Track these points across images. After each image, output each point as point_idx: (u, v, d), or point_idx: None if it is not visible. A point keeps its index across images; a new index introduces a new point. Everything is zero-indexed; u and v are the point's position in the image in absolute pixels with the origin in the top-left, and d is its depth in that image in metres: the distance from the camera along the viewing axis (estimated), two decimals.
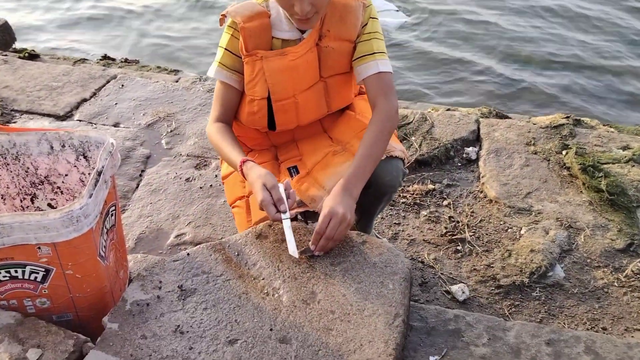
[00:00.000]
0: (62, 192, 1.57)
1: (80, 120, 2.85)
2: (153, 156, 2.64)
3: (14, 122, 2.79)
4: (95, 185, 1.29)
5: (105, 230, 1.42)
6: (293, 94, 1.63)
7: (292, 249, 1.36)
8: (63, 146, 1.49)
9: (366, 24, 1.61)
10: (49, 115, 2.88)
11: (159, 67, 4.11)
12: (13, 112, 2.88)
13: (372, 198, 1.72)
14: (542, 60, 4.71)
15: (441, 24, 5.38)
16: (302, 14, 1.46)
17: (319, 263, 1.39)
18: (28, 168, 1.51)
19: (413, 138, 2.68)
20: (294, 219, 1.58)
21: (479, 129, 2.79)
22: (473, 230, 2.24)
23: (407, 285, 1.36)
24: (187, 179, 2.47)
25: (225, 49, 1.65)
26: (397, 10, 5.68)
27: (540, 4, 5.69)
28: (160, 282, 1.34)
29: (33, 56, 3.81)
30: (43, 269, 1.28)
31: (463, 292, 1.94)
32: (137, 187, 2.43)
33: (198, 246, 1.44)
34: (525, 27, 5.25)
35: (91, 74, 3.25)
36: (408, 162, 1.66)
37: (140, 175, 2.51)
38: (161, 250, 2.10)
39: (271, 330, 1.23)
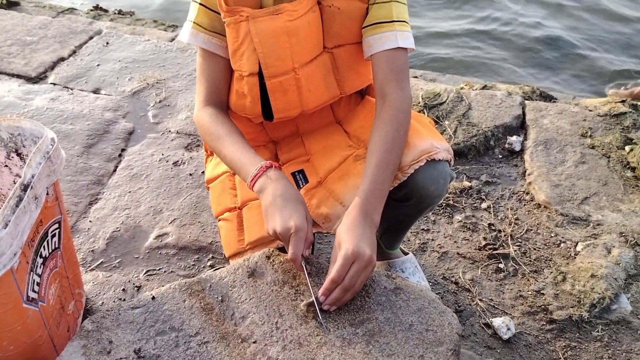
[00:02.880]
0: None
1: (54, 84, 2.43)
2: (137, 132, 2.22)
3: None
4: (17, 206, 0.89)
5: (39, 261, 1.02)
6: (292, 67, 1.20)
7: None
8: None
9: None
10: (18, 77, 2.45)
11: (155, 22, 3.65)
12: None
13: (411, 211, 1.31)
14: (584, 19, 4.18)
15: None
16: None
17: (334, 320, 1.00)
18: None
19: (447, 122, 2.25)
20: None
21: (524, 113, 2.35)
22: (518, 243, 1.83)
23: None
24: (175, 163, 2.07)
25: (200, 3, 1.22)
26: None
27: None
28: (111, 342, 0.95)
29: (12, 4, 3.35)
30: None
31: (508, 329, 1.55)
32: (114, 171, 2.03)
33: (167, 286, 1.04)
34: None
35: (72, 28, 2.80)
36: (453, 159, 1.23)
37: (120, 155, 2.10)
38: (137, 255, 1.72)
39: None
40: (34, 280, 1.00)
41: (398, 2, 1.19)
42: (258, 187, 1.11)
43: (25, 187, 0.92)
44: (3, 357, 0.97)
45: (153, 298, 1.03)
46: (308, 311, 1.01)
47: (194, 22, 1.24)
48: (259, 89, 1.24)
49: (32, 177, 0.95)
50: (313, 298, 1.00)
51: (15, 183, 1.15)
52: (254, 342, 0.97)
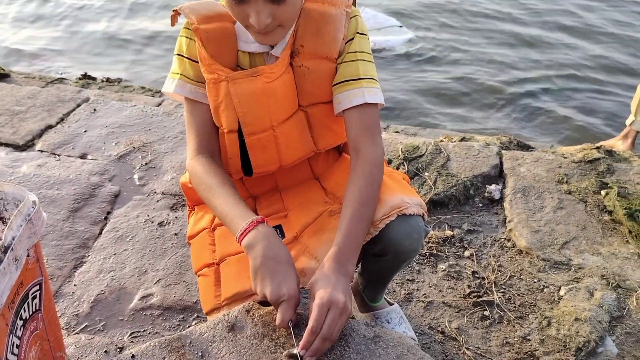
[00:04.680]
0: None
1: (42, 151, 2.48)
2: (122, 194, 2.25)
3: None
4: None
5: (19, 323, 1.03)
6: (271, 125, 1.26)
7: None
8: None
9: (351, 40, 1.25)
10: (6, 145, 2.50)
11: (142, 88, 3.77)
12: None
13: (389, 265, 1.33)
14: (563, 77, 4.34)
15: (449, 39, 5.05)
16: (259, 28, 1.12)
17: None
18: None
19: (426, 174, 2.31)
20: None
21: (501, 162, 2.41)
22: (502, 290, 1.85)
23: None
24: (160, 223, 2.09)
25: (186, 56, 1.28)
26: (401, 27, 5.35)
27: (555, 16, 5.37)
28: None
29: (2, 76, 3.46)
30: None
31: None
32: (100, 234, 2.04)
33: (147, 344, 1.05)
34: (543, 43, 4.91)
35: (60, 96, 2.88)
36: (427, 214, 1.26)
37: (106, 218, 2.12)
38: (122, 317, 1.71)
39: None
40: (13, 343, 1.00)
41: (365, 60, 1.25)
42: (247, 242, 1.10)
43: (5, 249, 0.94)
44: None
45: (133, 357, 1.03)
46: None
47: (180, 74, 1.29)
48: (239, 146, 1.29)
49: (13, 239, 0.97)
50: (296, 351, 1.01)
51: None
52: None
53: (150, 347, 1.05)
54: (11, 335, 0.99)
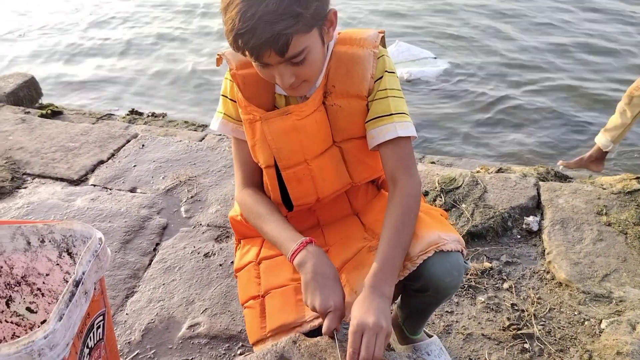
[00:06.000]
0: (42, 295, 1.29)
1: (94, 185, 2.62)
2: (170, 226, 2.36)
3: (24, 187, 2.58)
4: (70, 300, 1.00)
5: (85, 351, 1.12)
6: (304, 159, 1.35)
7: None
8: (42, 241, 1.22)
9: (380, 78, 1.32)
10: (62, 180, 2.66)
11: (186, 122, 3.94)
12: (25, 176, 2.67)
13: (430, 300, 1.39)
14: (601, 105, 4.32)
15: (482, 68, 5.09)
16: (284, 87, 1.23)
17: None
18: (1, 267, 1.24)
19: (464, 205, 2.34)
20: (313, 332, 1.26)
21: (539, 194, 2.43)
22: (542, 323, 1.85)
23: None
24: (206, 254, 2.18)
25: (229, 98, 1.41)
26: (435, 58, 5.43)
27: (581, 37, 5.36)
28: None
29: (56, 113, 3.67)
30: None
31: None
32: (149, 264, 2.15)
33: None
34: (577, 67, 4.91)
35: (111, 133, 3.04)
36: (465, 250, 1.31)
37: (155, 249, 2.23)
38: (171, 345, 1.79)
39: None
40: None
41: (395, 96, 1.32)
42: (298, 261, 1.23)
43: (77, 283, 1.04)
44: None
45: None
46: None
47: (224, 114, 1.42)
48: (277, 180, 1.38)
49: (83, 273, 1.06)
50: None
51: (64, 280, 1.27)
52: None
53: None
54: None
